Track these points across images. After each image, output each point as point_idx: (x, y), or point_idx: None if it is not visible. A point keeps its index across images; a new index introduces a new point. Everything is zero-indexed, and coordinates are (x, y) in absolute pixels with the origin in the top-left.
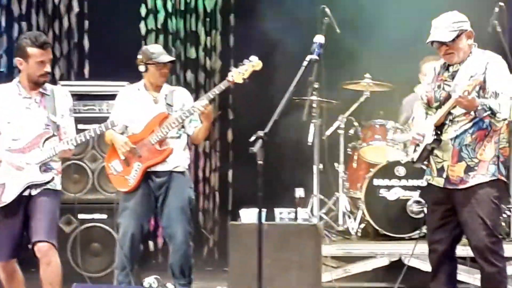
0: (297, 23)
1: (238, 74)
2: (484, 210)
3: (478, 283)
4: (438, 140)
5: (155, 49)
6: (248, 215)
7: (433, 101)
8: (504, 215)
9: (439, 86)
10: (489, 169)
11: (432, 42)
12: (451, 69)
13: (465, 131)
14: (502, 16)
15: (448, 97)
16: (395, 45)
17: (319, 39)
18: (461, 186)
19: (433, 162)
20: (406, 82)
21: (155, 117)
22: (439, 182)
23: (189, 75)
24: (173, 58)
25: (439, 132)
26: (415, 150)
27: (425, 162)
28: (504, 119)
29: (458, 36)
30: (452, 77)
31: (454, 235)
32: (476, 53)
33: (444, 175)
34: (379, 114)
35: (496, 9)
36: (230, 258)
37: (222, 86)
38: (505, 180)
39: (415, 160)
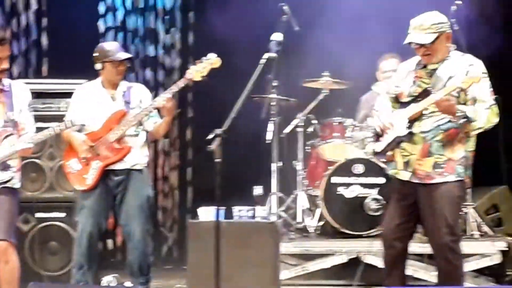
0: (256, 21)
1: (196, 72)
2: (447, 208)
3: (435, 280)
4: (411, 134)
5: (111, 46)
6: (207, 213)
7: (403, 96)
8: (461, 212)
9: (414, 82)
10: (457, 169)
11: (411, 42)
12: (429, 67)
13: (438, 126)
14: (459, 14)
15: (426, 93)
16: (353, 42)
17: (277, 36)
18: (426, 181)
19: (399, 155)
20: (363, 80)
21: (113, 115)
22: (405, 175)
23: (148, 73)
24: (129, 55)
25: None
26: (377, 141)
27: (384, 156)
28: (480, 128)
29: (437, 38)
30: (430, 75)
31: (411, 233)
32: (455, 55)
33: (410, 169)
34: (338, 112)
35: (454, 8)
36: (189, 256)
37: (181, 83)
38: (467, 181)
39: (378, 151)
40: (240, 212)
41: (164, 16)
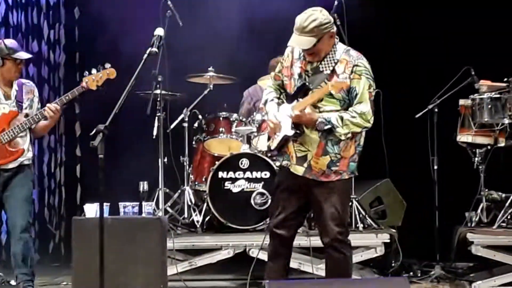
0: (142, 16)
1: (92, 81)
2: (338, 201)
3: (321, 273)
4: (297, 133)
5: (12, 44)
6: (92, 210)
7: (291, 88)
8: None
9: (299, 75)
10: (350, 166)
11: None
12: (315, 63)
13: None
14: (341, 9)
15: (305, 90)
16: (240, 38)
17: (159, 32)
18: (322, 179)
19: (294, 149)
20: (250, 75)
21: (4, 116)
22: (298, 170)
23: (32, 68)
24: (31, 55)
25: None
26: (272, 138)
27: (278, 153)
28: (345, 134)
29: (318, 40)
30: (313, 70)
31: (298, 225)
32: (340, 49)
33: (306, 165)
34: (223, 107)
35: (336, 3)
36: (74, 253)
37: (76, 91)
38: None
39: (272, 148)
40: (126, 208)
41: (47, 12)
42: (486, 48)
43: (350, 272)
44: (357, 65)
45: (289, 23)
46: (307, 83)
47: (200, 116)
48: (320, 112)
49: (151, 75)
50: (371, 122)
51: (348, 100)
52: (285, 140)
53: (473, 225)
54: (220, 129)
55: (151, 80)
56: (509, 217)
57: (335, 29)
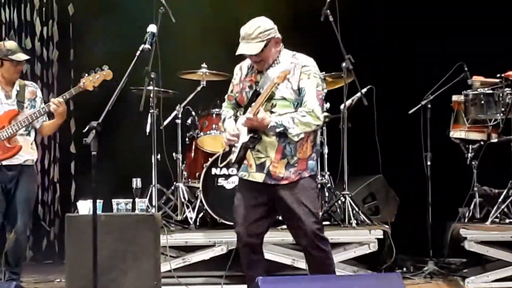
0: (135, 13)
1: (89, 82)
2: (308, 199)
3: None
4: (254, 138)
5: (11, 45)
6: (85, 207)
7: (244, 101)
8: (339, 202)
9: (250, 87)
10: (309, 165)
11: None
12: (263, 72)
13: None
14: (333, 5)
15: (257, 96)
16: (233, 33)
17: (152, 28)
18: (283, 182)
19: (253, 157)
20: None
21: (5, 114)
22: (258, 177)
23: (25, 65)
24: (28, 57)
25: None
26: (232, 152)
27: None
28: (297, 135)
29: (265, 46)
30: (263, 78)
31: (267, 228)
32: (286, 55)
33: (265, 171)
34: (216, 104)
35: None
36: (67, 250)
37: (74, 91)
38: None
39: (233, 161)
40: (119, 205)
41: (40, 8)
42: (479, 44)
43: (333, 267)
44: (305, 66)
45: (283, 18)
46: (257, 89)
47: (193, 113)
48: (273, 114)
49: (144, 71)
50: (321, 119)
51: (300, 101)
52: (244, 149)
53: (466, 220)
54: (213, 126)
55: (144, 76)
56: (502, 212)
57: (279, 36)
